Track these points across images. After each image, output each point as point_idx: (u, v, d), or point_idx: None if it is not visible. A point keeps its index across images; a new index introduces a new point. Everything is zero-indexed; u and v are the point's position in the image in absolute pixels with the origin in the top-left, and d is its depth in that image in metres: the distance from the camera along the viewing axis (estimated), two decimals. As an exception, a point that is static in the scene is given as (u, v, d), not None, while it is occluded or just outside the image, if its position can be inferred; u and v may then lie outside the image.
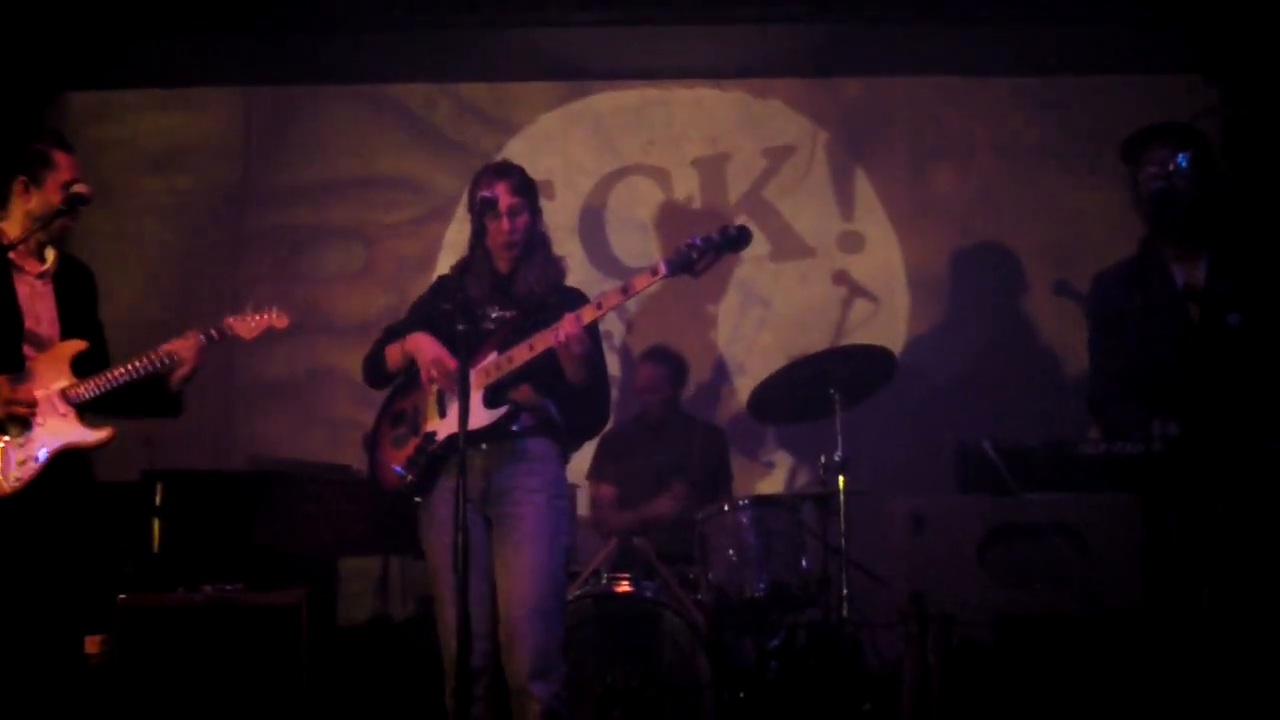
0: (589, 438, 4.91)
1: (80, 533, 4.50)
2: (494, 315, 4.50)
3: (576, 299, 4.51)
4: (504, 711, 4.36)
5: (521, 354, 4.35)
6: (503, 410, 4.37)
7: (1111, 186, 6.96)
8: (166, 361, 4.56)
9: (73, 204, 4.43)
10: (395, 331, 4.65)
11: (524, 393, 4.43)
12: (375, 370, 4.68)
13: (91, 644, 5.17)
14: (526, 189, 4.55)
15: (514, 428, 4.42)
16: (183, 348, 4.57)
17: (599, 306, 4.34)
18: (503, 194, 4.47)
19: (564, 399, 4.48)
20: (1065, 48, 6.99)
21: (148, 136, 7.53)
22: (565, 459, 4.61)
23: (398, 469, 4.49)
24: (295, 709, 5.38)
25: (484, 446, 4.38)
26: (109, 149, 7.32)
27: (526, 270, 4.55)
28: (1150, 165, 4.48)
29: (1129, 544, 4.14)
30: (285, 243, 7.43)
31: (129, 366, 4.50)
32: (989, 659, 4.90)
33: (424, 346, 4.46)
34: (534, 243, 4.57)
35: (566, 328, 4.26)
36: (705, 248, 4.25)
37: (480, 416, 4.31)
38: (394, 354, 4.60)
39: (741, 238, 4.27)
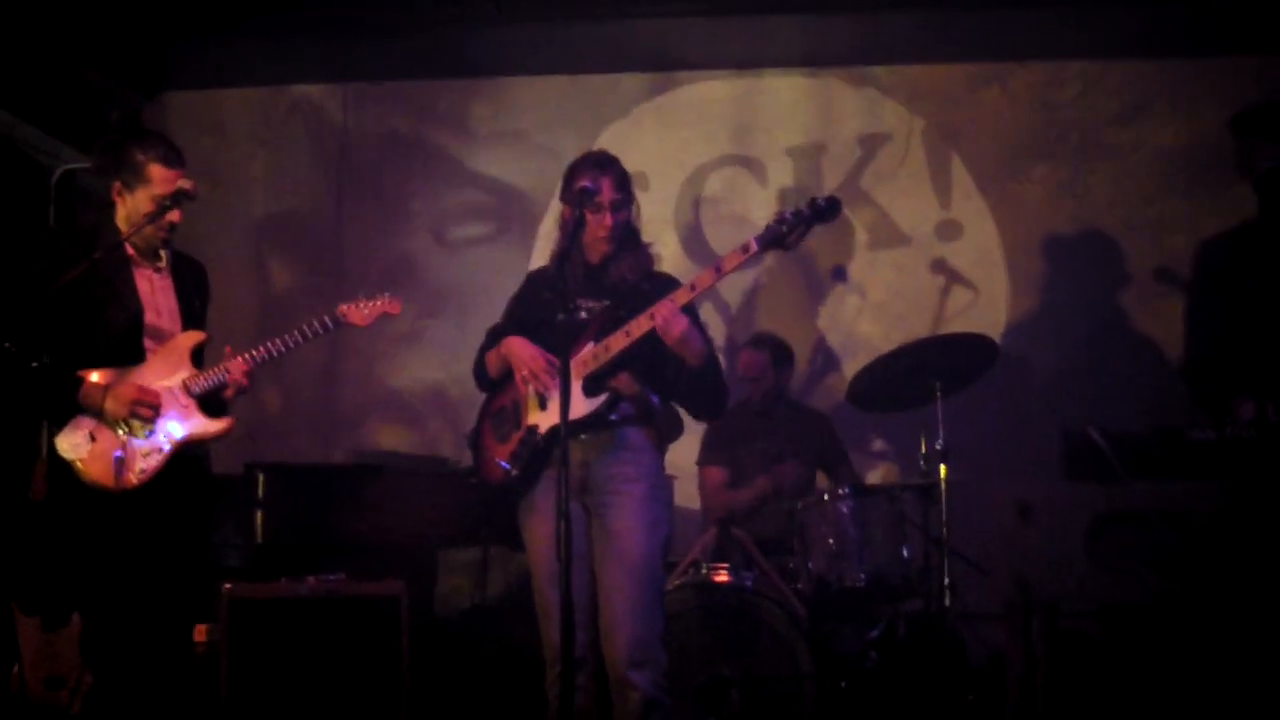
0: (714, 416, 4.86)
1: (198, 523, 4.56)
2: (587, 306, 4.49)
3: (668, 284, 4.47)
4: (605, 701, 4.35)
5: (619, 341, 4.34)
6: (603, 398, 4.36)
7: (1210, 173, 6.92)
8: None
9: (160, 212, 4.47)
10: (496, 333, 4.66)
11: (623, 381, 4.42)
12: (480, 377, 4.71)
13: (197, 633, 5.23)
14: (627, 183, 4.53)
15: (613, 417, 4.40)
16: (236, 368, 4.59)
17: (692, 288, 4.31)
18: (606, 188, 4.45)
19: (678, 383, 4.44)
20: (1163, 31, 6.87)
21: (244, 135, 7.63)
22: (664, 449, 4.58)
23: (503, 464, 4.49)
24: (395, 698, 5.42)
25: (583, 437, 4.35)
26: (205, 147, 7.41)
27: (618, 260, 4.53)
28: (1266, 142, 4.39)
29: (1238, 532, 4.07)
30: (383, 235, 7.49)
31: (251, 354, 4.55)
32: (1095, 649, 4.84)
33: (516, 350, 4.47)
34: (627, 234, 4.56)
35: (663, 310, 4.25)
36: (796, 221, 4.23)
37: (580, 406, 4.29)
38: (493, 361, 4.62)
39: (831, 208, 4.23)
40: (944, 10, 6.76)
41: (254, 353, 4.58)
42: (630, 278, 4.51)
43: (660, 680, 4.28)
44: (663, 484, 4.52)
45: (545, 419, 4.44)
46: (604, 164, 4.53)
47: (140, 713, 4.35)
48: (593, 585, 4.37)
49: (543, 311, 4.47)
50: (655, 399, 4.52)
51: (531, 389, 4.47)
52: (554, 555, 3.96)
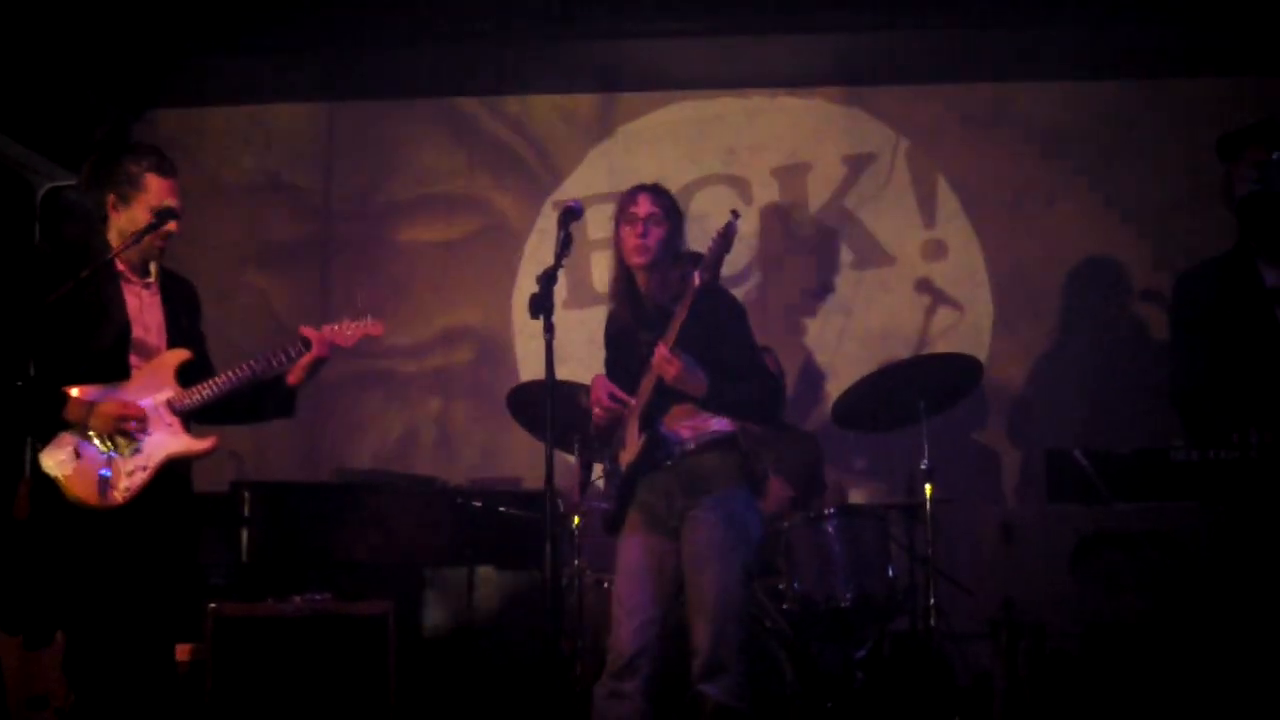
0: (767, 421, 5.02)
1: (180, 542, 4.55)
2: (645, 339, 4.54)
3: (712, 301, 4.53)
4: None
5: (647, 383, 4.47)
6: (642, 439, 4.49)
7: (1200, 190, 6.94)
8: (270, 366, 4.60)
9: (160, 221, 4.48)
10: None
11: (681, 412, 4.52)
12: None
13: (181, 652, 5.22)
14: (667, 202, 4.61)
15: (689, 447, 4.53)
16: (316, 339, 4.63)
17: (670, 329, 4.40)
18: (643, 202, 4.56)
19: (707, 405, 4.53)
20: (1151, 52, 6.91)
21: (232, 153, 7.63)
22: (744, 466, 4.65)
23: (601, 504, 4.74)
24: (383, 717, 5.41)
25: (667, 465, 4.51)
26: (193, 166, 7.40)
27: (652, 283, 4.61)
28: (1246, 165, 4.42)
29: (1222, 552, 4.08)
30: (369, 255, 7.49)
31: (231, 374, 4.55)
32: (1079, 669, 4.85)
33: (593, 388, 4.62)
34: (664, 254, 4.59)
35: (656, 355, 4.35)
36: (717, 251, 4.31)
37: (635, 447, 4.50)
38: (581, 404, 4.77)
39: (728, 232, 4.29)
40: (930, 31, 6.78)
41: (238, 370, 4.57)
42: (659, 298, 4.58)
43: (733, 687, 4.40)
44: (739, 505, 4.57)
45: (624, 457, 4.59)
46: (647, 185, 4.66)
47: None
48: (670, 602, 4.55)
49: (616, 350, 4.69)
50: (726, 422, 4.60)
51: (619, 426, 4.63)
52: (628, 580, 4.42)
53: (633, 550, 4.53)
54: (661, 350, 4.32)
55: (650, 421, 4.50)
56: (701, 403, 4.46)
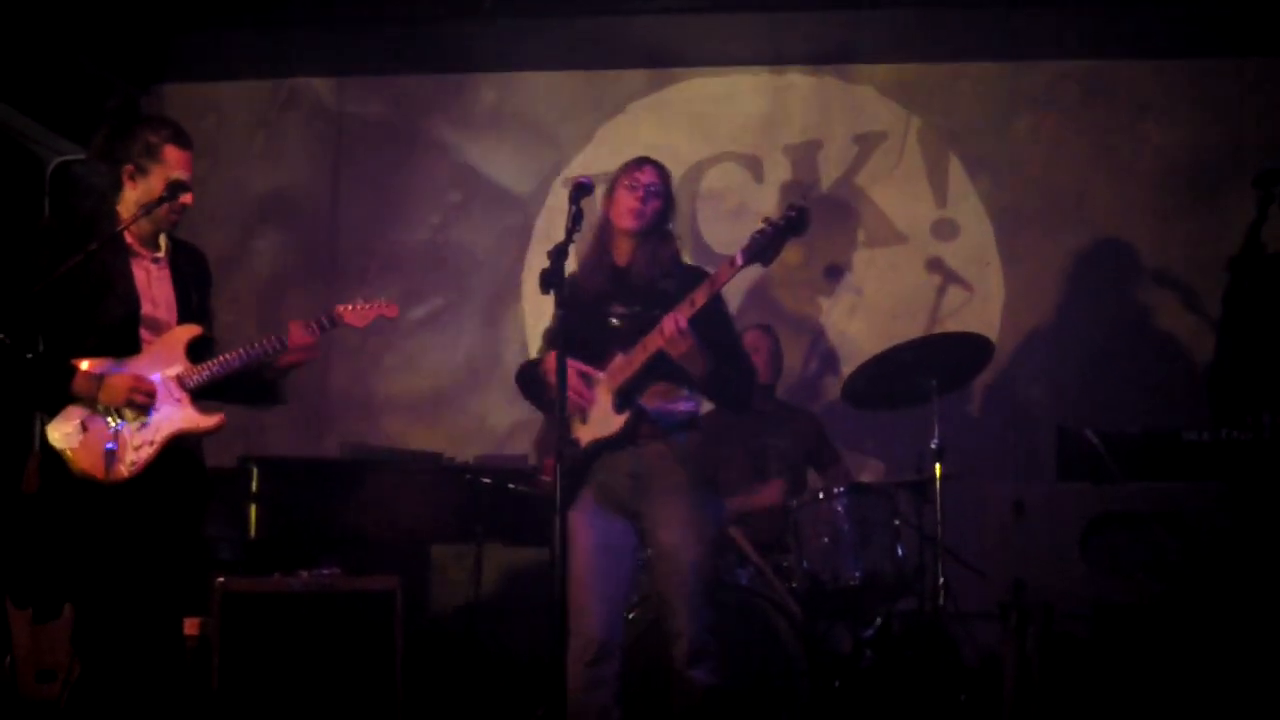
0: (741, 410, 4.85)
1: (190, 517, 4.54)
2: (618, 312, 4.52)
3: (690, 278, 4.48)
4: (640, 700, 4.58)
5: (639, 356, 4.39)
6: (625, 417, 4.41)
7: (1211, 176, 6.92)
8: (279, 346, 4.57)
9: (174, 192, 4.46)
10: (549, 334, 4.69)
11: (658, 390, 4.46)
12: (521, 386, 4.80)
13: (189, 626, 5.22)
14: (666, 177, 4.59)
15: (649, 429, 4.46)
16: (297, 335, 4.59)
17: (692, 304, 4.33)
18: (648, 172, 4.54)
19: (704, 384, 4.49)
20: (1165, 33, 6.88)
21: (240, 128, 7.62)
22: (706, 449, 4.63)
23: (545, 478, 4.64)
24: (390, 694, 5.42)
25: (626, 448, 4.44)
26: (200, 139, 7.38)
27: (638, 257, 4.56)
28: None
29: (1233, 533, 4.07)
30: (378, 231, 7.49)
31: (242, 351, 4.53)
32: (1088, 650, 4.84)
33: (550, 365, 4.46)
34: (652, 228, 4.57)
35: (666, 328, 4.27)
36: (773, 233, 4.24)
37: (610, 423, 4.41)
38: (542, 373, 4.60)
39: (801, 220, 4.23)
40: (942, 9, 6.76)
41: (247, 349, 4.55)
42: (648, 273, 4.54)
43: (717, 668, 4.39)
44: (707, 487, 4.56)
45: (585, 432, 4.50)
46: (648, 159, 4.62)
47: (131, 706, 4.34)
48: (629, 584, 4.54)
49: (577, 321, 4.43)
50: (691, 402, 4.57)
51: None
52: (590, 563, 4.31)
53: (591, 532, 4.45)
54: (677, 323, 4.26)
55: (631, 397, 4.43)
56: (697, 382, 4.43)
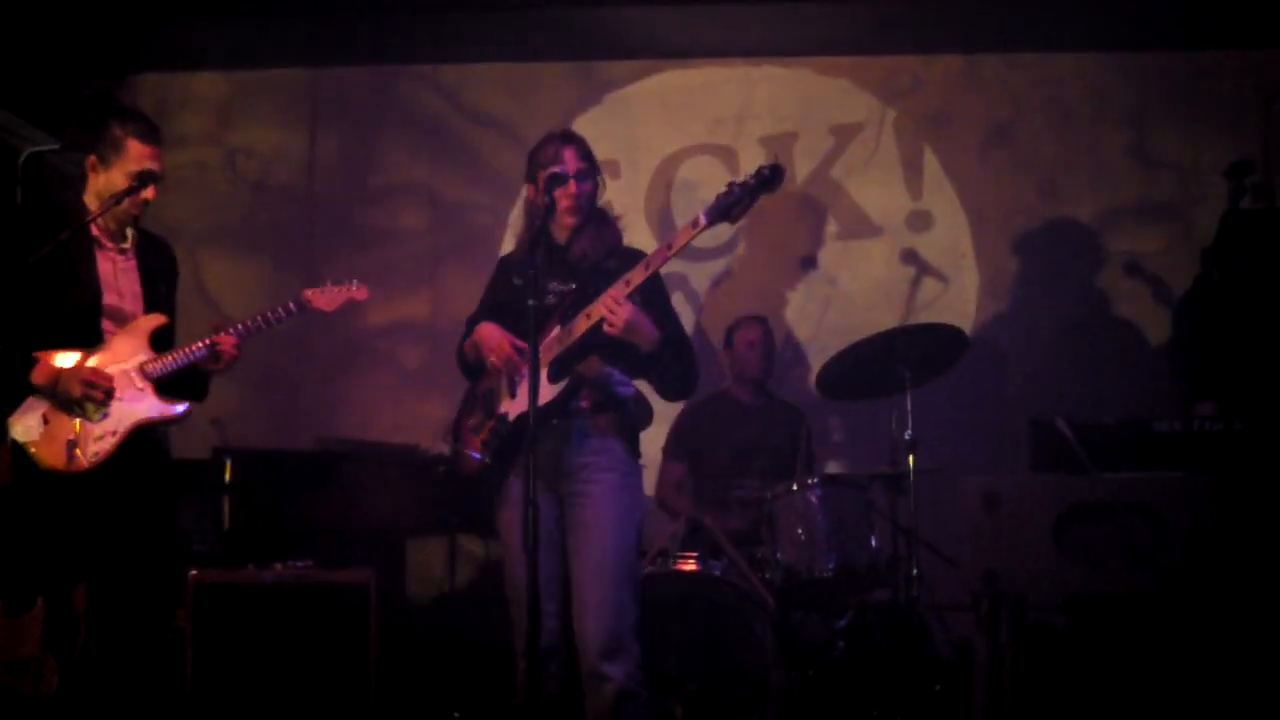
0: (681, 396, 4.77)
1: (156, 507, 4.52)
2: (555, 289, 4.45)
3: (633, 259, 4.38)
4: (577, 695, 4.32)
5: (580, 325, 4.28)
6: (564, 383, 4.31)
7: (1184, 166, 6.95)
8: (251, 330, 4.55)
9: (137, 186, 4.44)
10: (472, 321, 4.62)
11: (591, 364, 4.38)
12: (462, 366, 4.69)
13: (162, 618, 5.21)
14: (590, 155, 4.50)
15: (581, 404, 4.38)
16: (226, 341, 4.55)
17: (646, 267, 4.23)
18: (569, 158, 4.43)
19: (643, 362, 4.38)
20: (1136, 22, 6.90)
21: (212, 118, 7.59)
22: (636, 435, 4.55)
23: (474, 454, 4.47)
24: (364, 686, 5.41)
25: (554, 423, 4.32)
26: (174, 131, 7.36)
27: (582, 238, 4.48)
28: None
29: (1205, 524, 4.08)
30: (354, 226, 7.47)
31: (206, 341, 4.51)
32: (1062, 641, 4.85)
33: (485, 336, 4.44)
34: (591, 210, 4.51)
35: (606, 300, 4.19)
36: (741, 192, 4.12)
37: (546, 392, 4.24)
38: (469, 350, 4.58)
39: (774, 176, 4.10)
40: (918, 1, 6.77)
41: (230, 329, 4.53)
42: (593, 254, 4.46)
43: (634, 671, 4.24)
44: (634, 472, 4.47)
45: (515, 406, 4.41)
46: (566, 137, 4.50)
47: (105, 700, 4.33)
48: (564, 574, 4.34)
49: (513, 297, 4.42)
50: (628, 386, 4.50)
51: (505, 377, 4.45)
52: (523, 544, 3.96)
53: (519, 512, 4.10)
54: (615, 295, 4.17)
55: (569, 365, 4.32)
56: (641, 360, 4.32)
